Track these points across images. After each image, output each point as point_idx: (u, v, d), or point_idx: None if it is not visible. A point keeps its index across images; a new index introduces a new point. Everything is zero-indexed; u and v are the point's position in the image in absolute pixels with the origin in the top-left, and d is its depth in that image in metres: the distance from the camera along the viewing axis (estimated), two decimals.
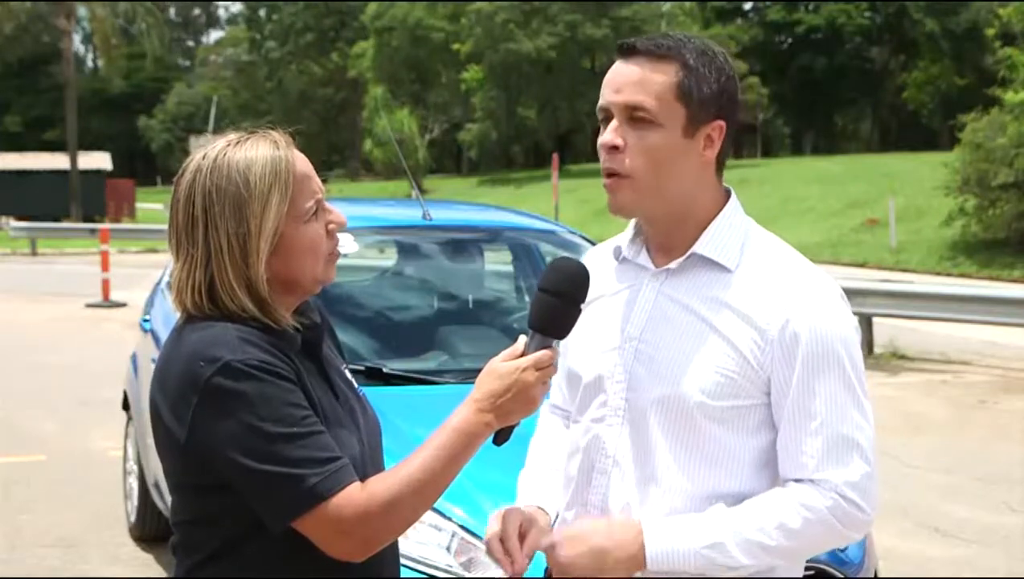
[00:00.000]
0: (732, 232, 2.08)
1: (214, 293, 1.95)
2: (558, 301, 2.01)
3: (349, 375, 2.18)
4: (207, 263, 1.94)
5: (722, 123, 2.04)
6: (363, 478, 1.93)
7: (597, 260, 2.24)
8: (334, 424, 1.98)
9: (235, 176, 1.95)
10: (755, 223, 2.14)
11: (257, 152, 1.97)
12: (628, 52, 2.04)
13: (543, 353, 1.98)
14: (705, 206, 2.09)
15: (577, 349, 2.20)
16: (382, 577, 2.07)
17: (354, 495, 1.88)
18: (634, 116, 2.01)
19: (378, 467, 2.05)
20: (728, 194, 2.13)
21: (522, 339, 2.01)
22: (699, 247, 2.06)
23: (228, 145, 1.99)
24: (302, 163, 2.01)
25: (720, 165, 2.09)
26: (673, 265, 2.08)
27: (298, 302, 2.05)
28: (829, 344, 1.99)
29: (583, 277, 2.03)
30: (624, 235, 2.19)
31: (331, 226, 2.03)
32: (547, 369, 1.97)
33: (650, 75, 2.01)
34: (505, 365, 1.97)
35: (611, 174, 2.05)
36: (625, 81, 2.02)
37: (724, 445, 2.02)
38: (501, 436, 2.01)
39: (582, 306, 2.03)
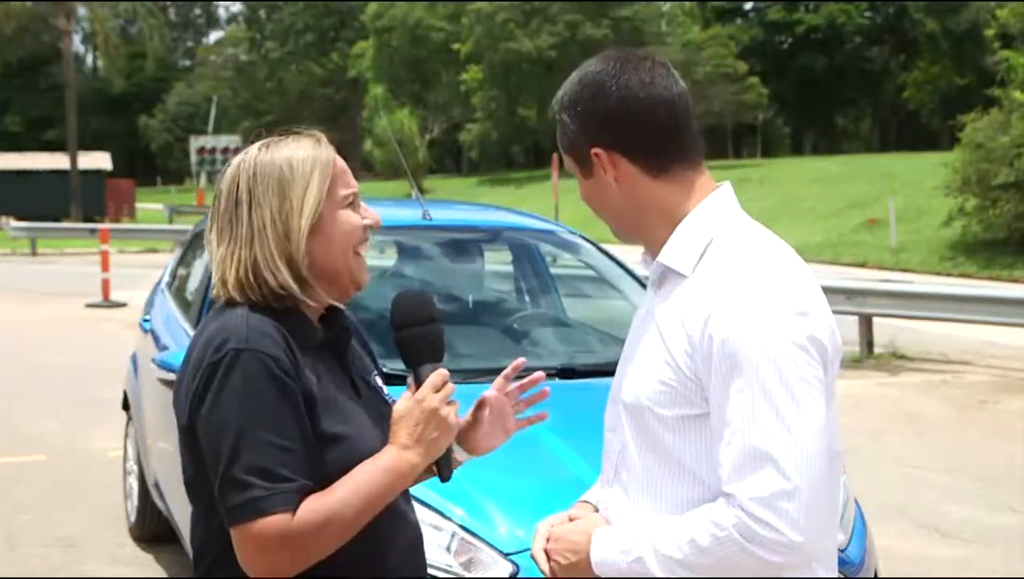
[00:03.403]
0: (693, 235, 2.03)
1: (257, 270, 2.00)
2: (415, 331, 2.10)
3: (380, 382, 2.22)
4: (251, 241, 2.02)
5: (597, 149, 2.04)
6: None
7: None
8: (353, 422, 2.02)
9: (279, 160, 2.05)
10: (735, 222, 2.06)
11: (299, 145, 2.08)
12: None
13: (434, 376, 2.05)
14: (665, 212, 2.05)
15: None
16: (401, 577, 2.09)
17: (285, 520, 1.89)
18: None
19: None
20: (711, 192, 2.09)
21: (409, 383, 2.09)
22: (660, 256, 2.06)
23: (270, 141, 2.09)
24: (340, 160, 2.12)
25: (658, 169, 2.03)
26: (652, 277, 2.11)
27: (337, 300, 2.09)
28: (744, 347, 1.88)
29: (422, 299, 2.15)
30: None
31: (366, 221, 2.10)
32: (446, 388, 2.04)
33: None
34: (405, 404, 2.03)
35: None
36: None
37: (687, 454, 1.98)
38: (444, 472, 2.10)
39: (436, 319, 2.13)
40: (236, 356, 1.92)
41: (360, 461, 1.97)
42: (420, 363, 2.09)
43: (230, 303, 2.02)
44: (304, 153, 2.05)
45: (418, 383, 2.06)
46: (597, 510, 2.18)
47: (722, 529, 1.88)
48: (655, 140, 2.04)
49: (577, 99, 2.06)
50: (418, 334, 2.10)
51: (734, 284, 1.93)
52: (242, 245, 2.02)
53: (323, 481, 1.93)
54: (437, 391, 2.03)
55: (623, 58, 2.07)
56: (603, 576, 2.02)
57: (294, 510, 1.89)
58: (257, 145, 2.09)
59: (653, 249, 2.10)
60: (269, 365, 1.92)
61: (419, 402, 2.02)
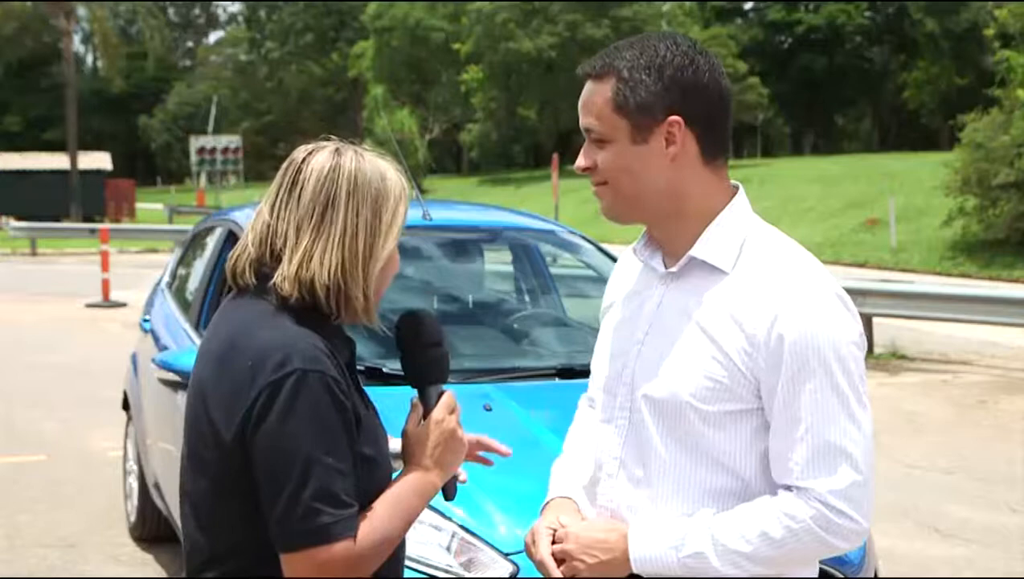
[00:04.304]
0: (730, 232, 2.05)
1: (345, 272, 1.96)
2: (430, 353, 2.12)
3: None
4: (342, 243, 1.96)
5: (677, 117, 2.01)
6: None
7: (624, 261, 2.28)
8: (376, 443, 2.02)
9: (376, 172, 2.01)
10: (760, 222, 2.11)
11: (387, 164, 2.04)
12: (582, 77, 2.10)
13: (445, 398, 2.08)
14: (701, 202, 2.06)
15: (598, 352, 2.25)
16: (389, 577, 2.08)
17: (350, 546, 1.88)
18: (591, 137, 2.08)
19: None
20: (735, 191, 2.12)
21: (415, 403, 2.10)
22: (695, 250, 2.05)
23: (358, 150, 2.03)
24: None
25: (710, 156, 2.06)
26: (675, 269, 2.09)
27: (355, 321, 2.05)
28: (815, 347, 1.95)
29: (427, 321, 2.14)
30: (641, 237, 2.20)
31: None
32: (456, 409, 2.07)
33: (592, 97, 2.07)
34: (421, 427, 2.05)
35: (594, 183, 2.12)
36: (580, 105, 2.10)
37: (724, 449, 2.00)
38: (450, 491, 2.12)
39: (441, 343, 2.13)
40: (303, 377, 1.86)
41: (387, 482, 1.98)
42: (429, 384, 2.10)
43: (282, 301, 1.95)
44: (394, 176, 2.02)
45: (424, 403, 2.08)
46: (576, 505, 2.17)
47: (798, 521, 1.94)
48: (721, 127, 2.07)
49: (666, 63, 2.02)
50: (433, 357, 2.11)
51: (798, 286, 1.99)
52: (335, 245, 1.95)
53: (365, 503, 1.93)
54: (451, 413, 2.06)
55: (693, 42, 2.07)
56: (644, 573, 2.00)
57: (356, 535, 1.88)
58: (351, 150, 2.02)
59: (666, 238, 2.10)
60: (333, 387, 1.89)
61: (438, 424, 2.04)
